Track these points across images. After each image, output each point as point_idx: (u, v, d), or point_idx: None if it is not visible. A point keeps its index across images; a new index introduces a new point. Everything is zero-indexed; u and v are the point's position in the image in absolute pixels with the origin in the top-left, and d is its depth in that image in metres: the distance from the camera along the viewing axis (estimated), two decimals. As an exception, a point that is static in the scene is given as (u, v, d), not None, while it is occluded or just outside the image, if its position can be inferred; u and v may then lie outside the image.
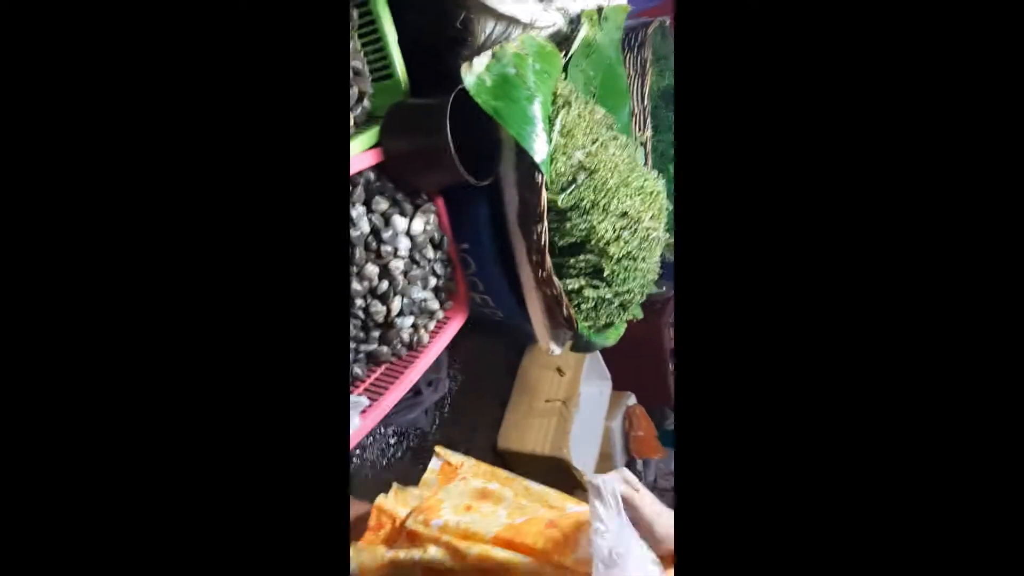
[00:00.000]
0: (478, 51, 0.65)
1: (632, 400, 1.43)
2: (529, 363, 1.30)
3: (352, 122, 0.59)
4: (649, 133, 0.85)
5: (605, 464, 1.36)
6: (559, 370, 1.26)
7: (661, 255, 0.74)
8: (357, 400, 0.50)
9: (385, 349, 0.63)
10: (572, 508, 0.51)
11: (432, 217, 0.65)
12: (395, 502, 0.53)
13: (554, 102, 0.62)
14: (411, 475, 0.63)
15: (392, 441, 1.01)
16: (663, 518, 0.42)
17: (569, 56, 0.66)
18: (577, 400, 1.23)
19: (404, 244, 0.62)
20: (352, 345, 0.61)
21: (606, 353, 1.35)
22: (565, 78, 0.68)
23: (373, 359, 0.64)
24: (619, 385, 1.38)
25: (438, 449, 0.59)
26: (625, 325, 0.77)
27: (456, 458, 0.59)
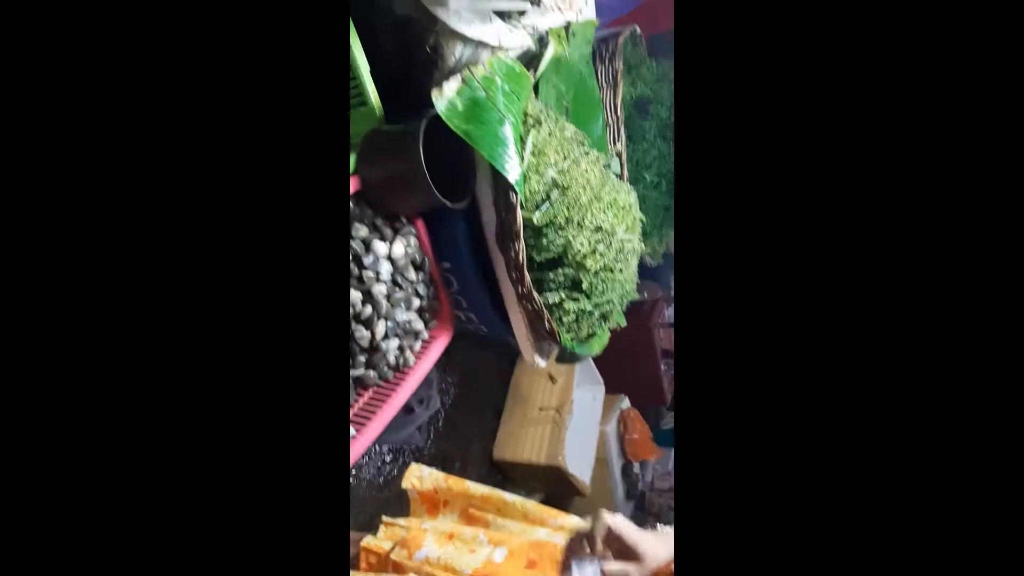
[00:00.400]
0: (448, 74, 0.67)
1: (626, 403, 1.44)
2: (521, 372, 1.31)
3: (328, 152, 0.60)
4: (624, 143, 0.87)
5: (602, 468, 1.37)
6: (551, 377, 1.27)
7: (638, 264, 0.75)
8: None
9: (372, 373, 0.64)
10: (554, 522, 0.52)
11: (412, 239, 0.66)
12: (382, 537, 0.54)
13: (525, 122, 0.64)
14: (407, 493, 0.64)
15: (388, 459, 1.01)
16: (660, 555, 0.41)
17: (538, 76, 0.67)
18: (571, 407, 1.24)
19: (386, 268, 0.63)
20: (339, 370, 0.62)
21: (598, 357, 1.36)
22: (536, 96, 0.69)
23: (360, 383, 0.65)
24: (612, 388, 1.40)
25: (408, 476, 0.59)
26: (608, 334, 0.78)
27: (428, 481, 0.60)
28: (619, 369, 1.38)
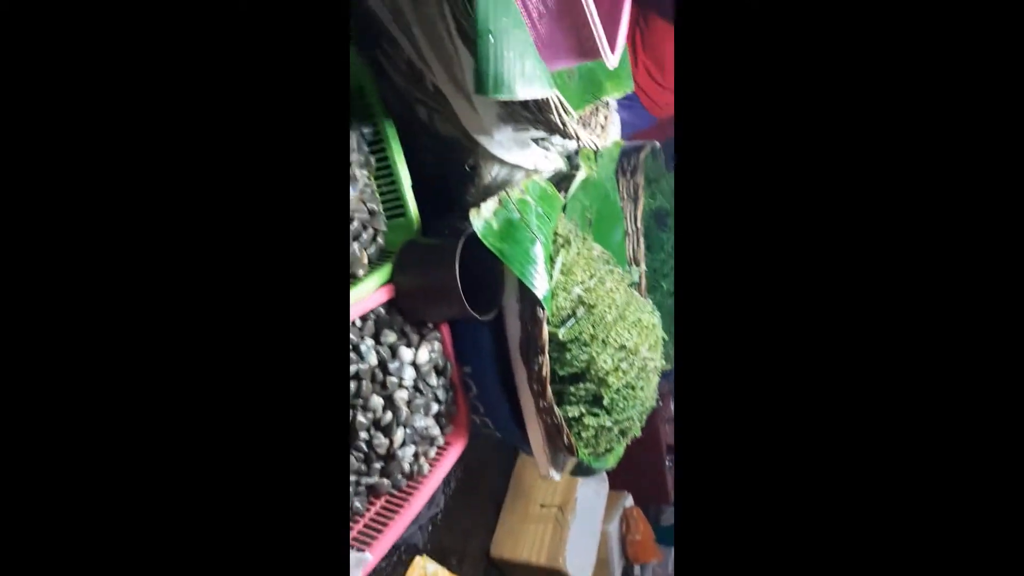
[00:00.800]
0: (484, 191, 0.71)
1: (629, 501, 1.40)
2: (523, 465, 1.27)
3: (366, 259, 0.62)
4: (643, 253, 0.90)
5: (602, 571, 1.31)
6: (555, 472, 1.24)
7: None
8: (361, 557, 0.49)
9: (386, 481, 0.63)
10: None
11: (437, 344, 0.67)
12: None
13: (555, 242, 0.66)
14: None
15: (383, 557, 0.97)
16: None
17: (568, 197, 0.71)
18: (574, 505, 1.20)
19: (409, 374, 0.64)
20: (353, 478, 0.61)
21: (602, 452, 1.33)
22: (564, 211, 0.73)
23: (374, 492, 0.63)
24: (615, 484, 1.36)
25: (413, 571, 0.56)
26: (624, 447, 0.77)
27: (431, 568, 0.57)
28: (623, 464, 1.34)
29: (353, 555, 0.47)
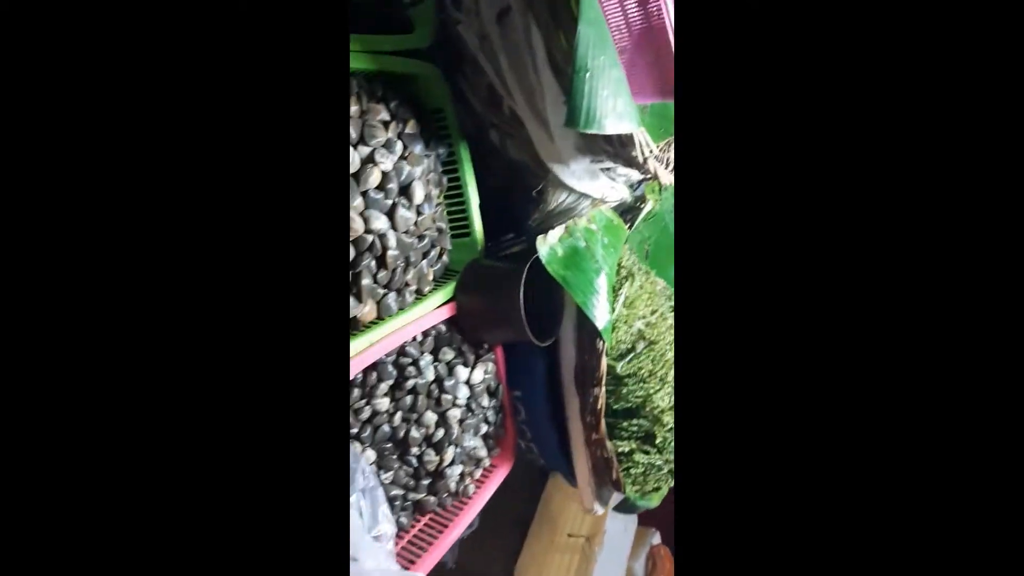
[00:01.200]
0: (547, 216, 0.71)
1: (657, 538, 1.36)
2: (553, 490, 1.25)
3: (431, 276, 0.63)
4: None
5: (624, 609, 1.27)
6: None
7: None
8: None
9: (432, 499, 0.63)
10: None
11: (491, 365, 0.67)
12: None
13: (618, 273, 0.66)
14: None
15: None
16: None
17: (633, 229, 0.71)
18: (602, 538, 1.18)
19: (463, 393, 0.64)
20: (400, 492, 0.61)
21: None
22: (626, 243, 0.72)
23: (419, 508, 0.63)
24: (644, 519, 1.32)
25: None
26: (669, 487, 0.75)
27: None
28: (654, 501, 1.31)
29: (403, 573, 0.47)
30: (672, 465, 0.68)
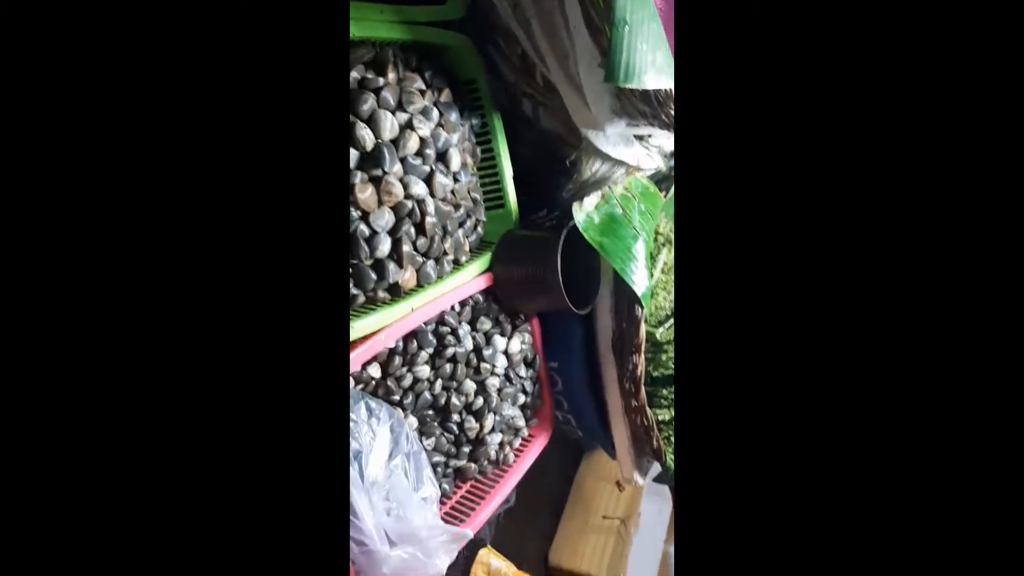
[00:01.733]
0: (582, 185, 0.71)
1: (692, 522, 1.34)
2: (586, 472, 1.25)
3: (467, 247, 0.63)
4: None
5: (660, 593, 1.26)
6: (618, 484, 1.21)
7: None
8: (462, 533, 0.49)
9: (473, 466, 0.63)
10: None
11: (528, 336, 0.68)
12: None
13: (656, 240, 0.65)
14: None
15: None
16: None
17: (668, 196, 0.70)
18: (637, 520, 1.17)
19: (501, 362, 0.64)
20: (442, 459, 0.62)
21: (667, 468, 1.29)
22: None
23: (460, 475, 0.64)
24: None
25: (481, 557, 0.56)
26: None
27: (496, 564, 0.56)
28: (689, 484, 1.30)
29: (454, 530, 0.47)
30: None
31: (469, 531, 0.50)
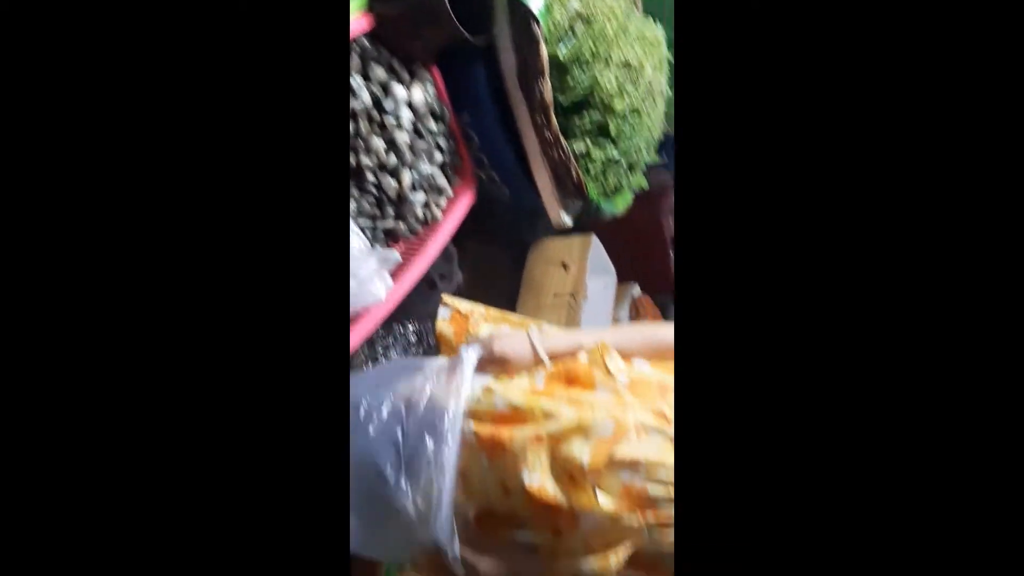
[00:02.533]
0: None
1: (637, 290, 1.46)
2: (534, 262, 1.31)
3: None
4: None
5: (614, 354, 1.41)
6: (564, 265, 1.28)
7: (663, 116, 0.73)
8: (387, 254, 0.51)
9: (402, 225, 0.64)
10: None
11: (430, 86, 0.64)
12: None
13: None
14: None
15: (413, 340, 1.04)
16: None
17: None
18: (585, 291, 1.26)
19: (407, 115, 0.61)
20: (369, 223, 0.62)
21: (607, 245, 1.37)
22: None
23: (391, 235, 0.64)
24: (623, 276, 1.41)
25: (445, 298, 0.60)
26: (632, 195, 0.77)
27: (465, 305, 0.61)
28: (628, 257, 1.39)
29: (380, 252, 0.49)
30: (629, 158, 0.69)
31: (395, 252, 0.51)
